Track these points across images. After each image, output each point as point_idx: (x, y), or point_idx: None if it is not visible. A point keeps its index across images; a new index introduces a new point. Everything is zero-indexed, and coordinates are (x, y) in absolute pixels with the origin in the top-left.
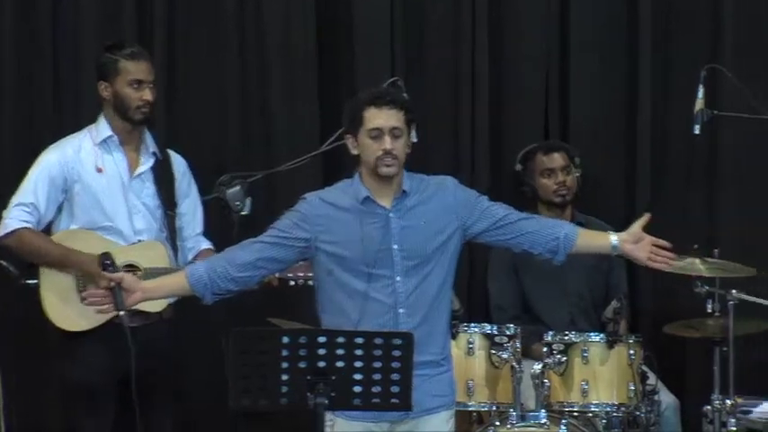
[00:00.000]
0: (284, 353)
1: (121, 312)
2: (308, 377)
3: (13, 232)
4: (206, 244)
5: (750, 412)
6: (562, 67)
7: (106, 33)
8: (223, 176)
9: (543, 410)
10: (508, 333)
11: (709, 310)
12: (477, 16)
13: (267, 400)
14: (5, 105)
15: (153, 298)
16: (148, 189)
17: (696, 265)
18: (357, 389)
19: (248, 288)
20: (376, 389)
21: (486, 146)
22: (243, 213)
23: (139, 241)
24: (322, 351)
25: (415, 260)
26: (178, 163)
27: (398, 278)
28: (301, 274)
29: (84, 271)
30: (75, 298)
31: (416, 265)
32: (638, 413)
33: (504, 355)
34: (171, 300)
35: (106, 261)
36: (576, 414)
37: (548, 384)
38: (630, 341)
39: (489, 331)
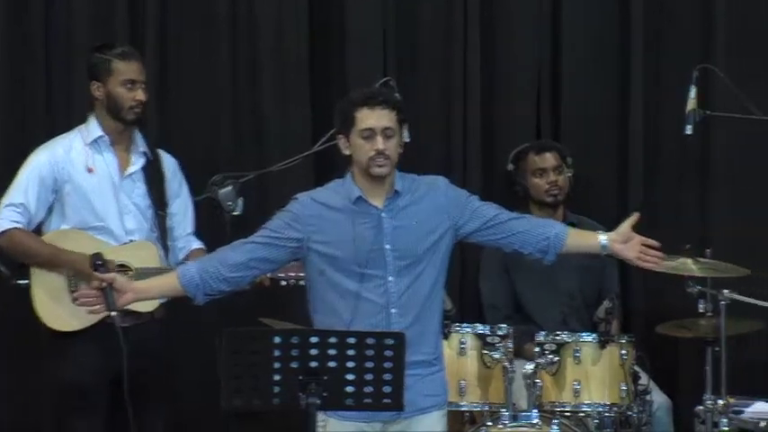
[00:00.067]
0: (276, 353)
1: (113, 313)
2: (300, 377)
3: (3, 233)
4: (197, 244)
5: (742, 412)
6: (554, 67)
7: (98, 35)
8: (215, 177)
9: (535, 410)
10: (500, 333)
11: (701, 310)
12: (468, 16)
13: (259, 401)
14: None
15: (144, 298)
16: (139, 189)
17: (688, 265)
18: (349, 389)
19: (240, 288)
20: (368, 389)
21: (478, 146)
22: (235, 213)
23: (131, 241)
24: (314, 351)
25: (407, 260)
26: (168, 163)
27: (391, 278)
28: (293, 274)
29: (74, 270)
30: (67, 298)
31: (408, 264)
32: (630, 413)
33: (496, 355)
34: (162, 300)
35: (97, 261)
36: (567, 414)
37: (540, 384)
38: (622, 341)
39: (481, 331)
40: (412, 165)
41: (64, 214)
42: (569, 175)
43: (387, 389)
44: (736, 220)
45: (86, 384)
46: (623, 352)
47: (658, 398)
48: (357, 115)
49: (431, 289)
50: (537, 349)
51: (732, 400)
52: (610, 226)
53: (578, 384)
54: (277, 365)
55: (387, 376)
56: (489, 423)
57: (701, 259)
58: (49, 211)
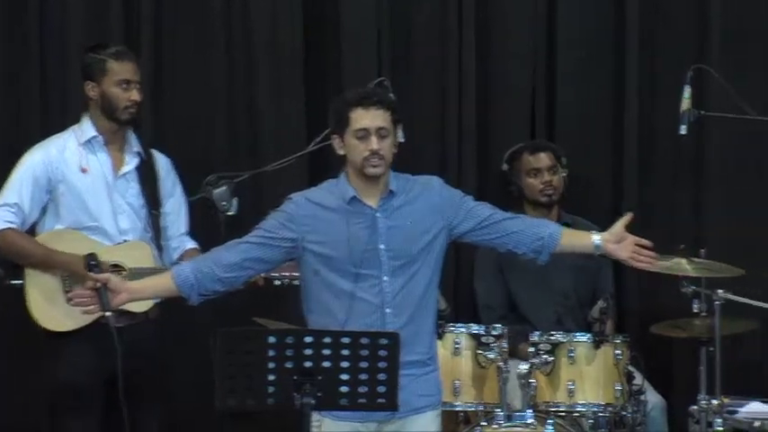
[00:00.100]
0: (271, 353)
1: (108, 313)
2: (295, 377)
3: None
4: (191, 244)
5: (736, 412)
6: (549, 67)
7: (93, 32)
8: (209, 176)
9: (530, 410)
10: (495, 333)
11: (696, 310)
12: (464, 16)
13: (253, 401)
14: None
15: (139, 299)
16: (133, 189)
17: (683, 265)
18: (344, 389)
19: (234, 288)
20: (362, 389)
21: (473, 145)
22: (229, 213)
23: (125, 241)
24: (309, 351)
25: (401, 260)
26: (162, 162)
27: (385, 278)
28: (287, 274)
29: (68, 271)
30: (61, 298)
31: (403, 264)
32: (624, 413)
33: (491, 355)
34: (156, 300)
35: (91, 262)
36: (562, 414)
37: (534, 384)
38: (617, 341)
39: (476, 331)
40: (406, 165)
41: (58, 214)
42: (564, 175)
43: (381, 389)
44: (731, 220)
45: (81, 384)
46: (618, 352)
47: (653, 398)
48: (351, 115)
49: (425, 289)
50: (531, 349)
51: (726, 400)
52: (604, 226)
53: (573, 384)
54: (271, 365)
55: (381, 376)
56: (484, 423)
57: (696, 259)
58: (43, 211)
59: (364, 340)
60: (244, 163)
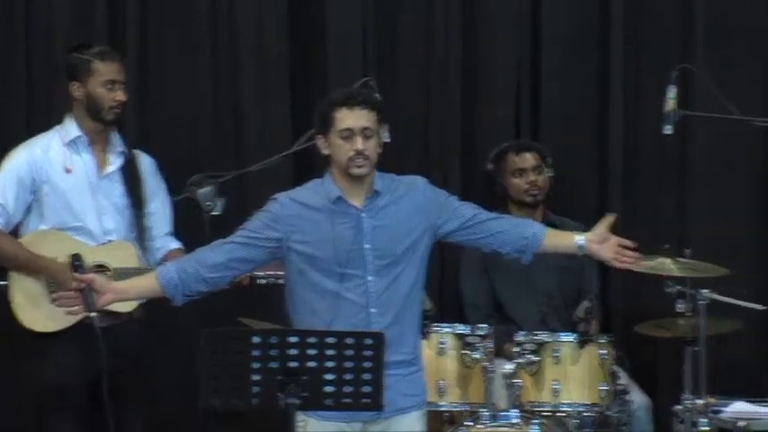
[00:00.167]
0: (255, 353)
1: (93, 313)
2: (280, 377)
3: None
4: (175, 244)
5: (721, 412)
6: (534, 66)
7: (78, 34)
8: (194, 177)
9: (515, 410)
10: (480, 333)
11: (680, 310)
12: (449, 16)
13: (238, 401)
14: None
15: (124, 299)
16: (117, 189)
17: (667, 265)
18: (328, 389)
19: (219, 288)
20: (347, 389)
21: (458, 145)
22: (214, 214)
23: (109, 241)
24: (293, 351)
25: (386, 260)
26: (145, 163)
27: (370, 278)
28: (271, 273)
29: (51, 277)
30: (45, 300)
31: (388, 264)
32: (609, 413)
33: (476, 355)
34: (141, 300)
35: (76, 262)
36: (547, 414)
37: (519, 384)
38: (602, 341)
39: (461, 331)
40: (391, 165)
41: (42, 215)
42: (549, 175)
43: (366, 389)
44: (716, 220)
45: (66, 385)
46: (603, 352)
47: (638, 397)
48: (336, 115)
49: (410, 289)
50: (516, 349)
51: (711, 400)
52: (589, 225)
53: (558, 384)
54: (256, 365)
55: (366, 376)
56: (469, 423)
57: (681, 259)
58: (28, 211)
59: (349, 340)
60: (229, 164)
